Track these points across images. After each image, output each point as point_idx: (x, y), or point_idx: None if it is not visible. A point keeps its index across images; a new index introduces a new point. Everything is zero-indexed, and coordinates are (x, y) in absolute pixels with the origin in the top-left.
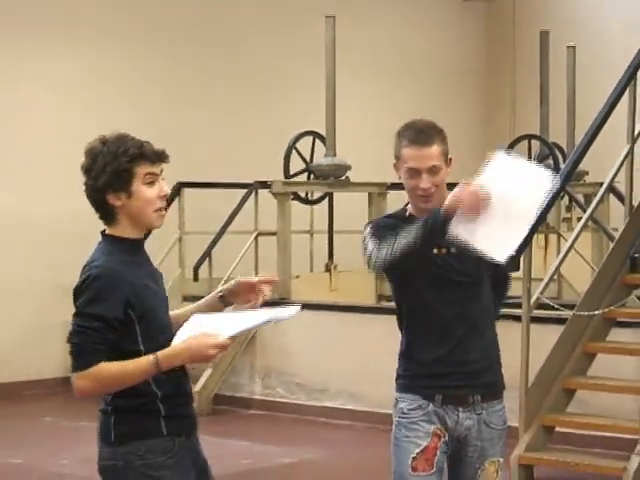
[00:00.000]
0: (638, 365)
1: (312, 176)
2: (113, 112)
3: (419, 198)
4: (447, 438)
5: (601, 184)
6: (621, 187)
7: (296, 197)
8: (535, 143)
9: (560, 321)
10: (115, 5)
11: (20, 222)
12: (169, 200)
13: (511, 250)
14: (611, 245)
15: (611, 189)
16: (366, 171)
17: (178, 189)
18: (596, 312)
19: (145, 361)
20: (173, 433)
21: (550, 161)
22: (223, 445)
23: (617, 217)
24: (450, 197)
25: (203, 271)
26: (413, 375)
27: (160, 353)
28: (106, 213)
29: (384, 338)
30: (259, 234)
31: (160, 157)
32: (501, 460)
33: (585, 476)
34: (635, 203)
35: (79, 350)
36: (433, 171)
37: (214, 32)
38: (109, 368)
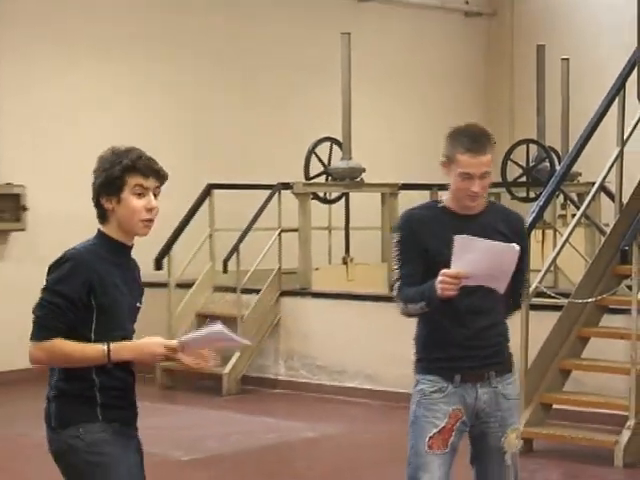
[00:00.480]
0: (628, 348)
1: (330, 178)
2: (122, 114)
3: (467, 197)
4: (466, 417)
5: (593, 184)
6: (611, 186)
7: (315, 197)
8: (533, 147)
9: (556, 308)
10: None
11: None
12: (200, 200)
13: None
14: (603, 239)
15: (602, 188)
16: (379, 173)
17: (208, 190)
18: (589, 300)
19: (97, 347)
20: (108, 420)
21: (547, 163)
22: (251, 422)
23: (608, 214)
24: (437, 287)
25: (232, 264)
26: (433, 358)
27: (112, 344)
28: (100, 213)
29: (396, 324)
30: (282, 230)
31: (154, 173)
32: (521, 427)
33: (580, 449)
34: (624, 201)
35: (40, 323)
36: (484, 176)
37: (241, 43)
38: (63, 345)
